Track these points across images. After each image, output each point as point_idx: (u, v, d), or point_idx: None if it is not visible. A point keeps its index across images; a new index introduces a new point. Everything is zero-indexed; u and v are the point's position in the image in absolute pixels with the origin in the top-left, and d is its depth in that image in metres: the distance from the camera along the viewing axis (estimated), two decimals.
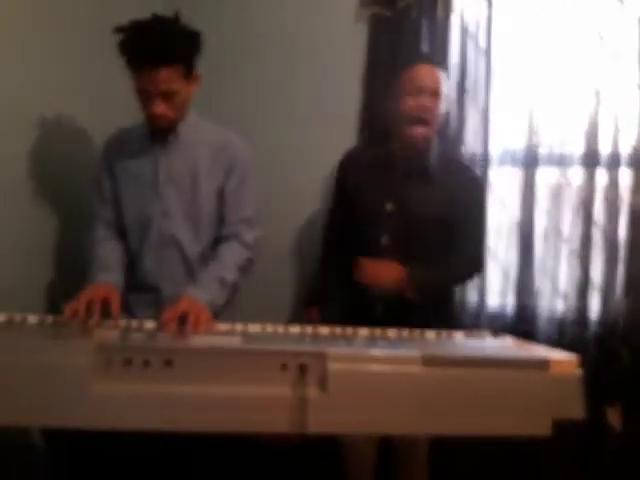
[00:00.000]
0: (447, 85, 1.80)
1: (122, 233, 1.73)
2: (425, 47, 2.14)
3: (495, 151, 2.16)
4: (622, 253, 2.01)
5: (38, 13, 1.77)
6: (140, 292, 1.69)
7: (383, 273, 1.70)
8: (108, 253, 1.65)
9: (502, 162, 2.16)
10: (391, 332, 1.42)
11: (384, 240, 1.76)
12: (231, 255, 1.63)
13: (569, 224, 2.08)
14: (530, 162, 2.11)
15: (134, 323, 1.38)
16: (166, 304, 1.50)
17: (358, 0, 2.27)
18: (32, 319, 1.37)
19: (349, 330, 1.42)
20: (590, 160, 2.04)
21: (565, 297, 2.07)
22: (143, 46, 1.50)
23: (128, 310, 1.68)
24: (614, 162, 2.02)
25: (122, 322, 1.39)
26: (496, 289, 2.17)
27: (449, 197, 1.77)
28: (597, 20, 2.02)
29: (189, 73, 1.58)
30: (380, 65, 2.21)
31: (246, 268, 1.66)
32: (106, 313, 1.41)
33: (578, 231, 2.06)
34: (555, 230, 2.09)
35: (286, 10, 2.35)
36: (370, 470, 1.92)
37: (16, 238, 1.72)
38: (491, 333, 1.50)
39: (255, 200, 1.72)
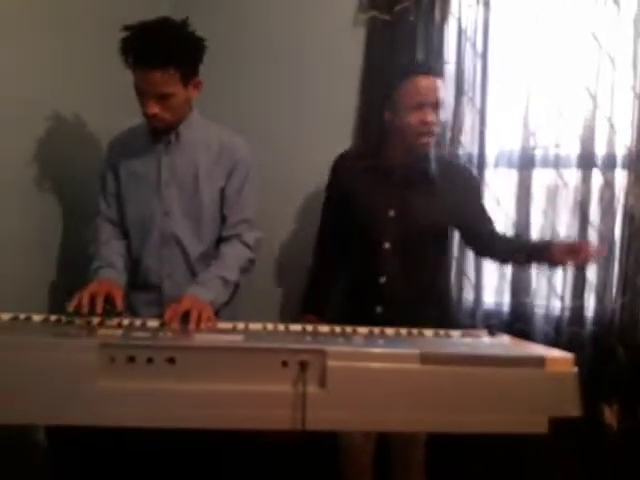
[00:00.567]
0: (443, 91, 1.81)
1: (125, 232, 1.74)
2: (422, 50, 2.15)
3: (491, 152, 2.17)
4: (617, 253, 2.03)
5: (44, 12, 1.78)
6: (142, 291, 1.71)
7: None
8: (111, 252, 1.66)
9: (498, 163, 2.17)
10: (390, 331, 1.43)
11: (386, 245, 1.78)
12: (233, 255, 1.64)
13: (565, 224, 2.09)
14: (526, 163, 2.12)
15: (137, 321, 1.39)
16: (167, 303, 1.52)
17: (356, 4, 2.28)
18: (36, 318, 1.38)
19: (348, 329, 1.44)
20: (586, 161, 2.05)
21: (561, 296, 2.08)
22: (140, 47, 1.51)
23: (130, 308, 1.70)
24: (609, 163, 2.03)
25: (125, 320, 1.40)
26: (492, 288, 2.18)
27: (450, 200, 1.78)
28: (592, 22, 2.03)
29: (187, 78, 1.59)
30: (377, 67, 2.21)
31: (247, 268, 1.68)
32: (109, 308, 1.43)
33: (574, 231, 2.07)
34: (551, 230, 2.10)
35: (285, 14, 2.36)
36: (368, 467, 1.93)
37: (19, 237, 1.73)
38: (488, 332, 1.51)
39: (256, 201, 1.73)
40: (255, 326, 1.41)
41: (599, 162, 2.04)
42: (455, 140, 2.17)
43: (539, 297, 2.11)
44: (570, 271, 2.07)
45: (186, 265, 1.69)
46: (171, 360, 1.09)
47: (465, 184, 1.85)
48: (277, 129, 2.34)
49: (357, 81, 2.28)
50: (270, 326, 1.41)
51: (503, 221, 2.15)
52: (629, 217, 2.00)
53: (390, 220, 1.78)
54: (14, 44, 1.66)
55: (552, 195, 2.10)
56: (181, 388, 1.08)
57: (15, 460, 1.62)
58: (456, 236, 2.08)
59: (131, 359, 1.08)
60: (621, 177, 2.03)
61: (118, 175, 1.72)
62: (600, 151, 2.04)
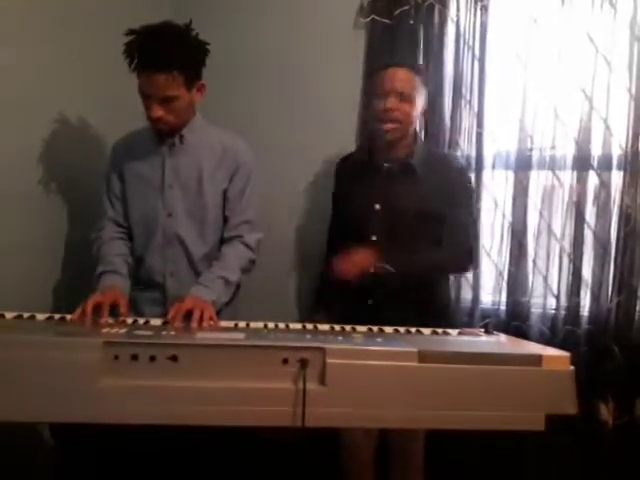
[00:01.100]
0: (421, 85, 1.84)
1: (130, 232, 1.76)
2: (421, 53, 2.17)
3: (489, 154, 2.18)
4: (613, 252, 2.04)
5: (48, 15, 1.79)
6: (146, 289, 1.73)
7: (353, 262, 1.73)
8: (115, 254, 1.68)
9: (495, 165, 2.18)
10: (388, 329, 1.45)
11: (373, 237, 1.82)
12: (234, 256, 1.67)
13: (561, 224, 2.10)
14: (523, 165, 2.13)
15: (140, 320, 1.42)
16: (170, 301, 1.54)
17: (357, 7, 2.29)
18: (40, 317, 1.40)
19: (348, 327, 1.46)
20: (581, 162, 2.07)
21: (557, 295, 2.10)
22: (144, 51, 1.53)
23: (134, 307, 1.72)
24: (605, 164, 2.04)
25: (129, 319, 1.43)
26: (490, 287, 2.20)
27: (435, 190, 1.81)
28: (589, 25, 2.05)
29: (191, 81, 1.60)
30: None
31: (248, 268, 1.71)
32: (114, 315, 1.44)
33: (570, 231, 2.08)
34: (547, 230, 2.11)
35: (286, 18, 2.37)
36: (369, 464, 1.95)
37: (24, 238, 1.74)
38: (485, 330, 1.52)
39: (257, 203, 1.75)
40: (256, 324, 1.43)
41: (595, 163, 2.06)
42: (453, 142, 2.19)
43: (535, 296, 2.13)
44: (566, 270, 2.08)
45: (189, 264, 1.72)
46: (174, 358, 1.10)
47: (449, 174, 1.86)
48: (278, 132, 2.35)
49: (359, 83, 2.29)
50: (271, 324, 1.43)
51: (500, 220, 2.17)
52: (625, 217, 2.01)
53: (376, 213, 1.82)
54: (18, 47, 1.67)
55: (548, 196, 2.12)
56: (183, 385, 1.08)
57: (20, 458, 1.62)
58: None
59: (134, 357, 1.09)
60: (617, 178, 2.04)
61: (123, 177, 1.74)
62: (596, 152, 2.06)
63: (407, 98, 1.79)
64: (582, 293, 2.07)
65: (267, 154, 1.85)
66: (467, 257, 1.90)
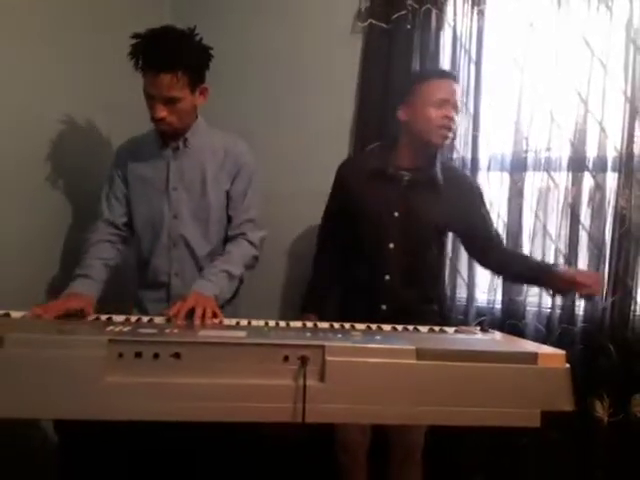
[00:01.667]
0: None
1: (128, 232, 1.78)
2: (418, 57, 2.19)
3: (484, 156, 2.20)
4: (608, 253, 2.06)
5: (50, 17, 1.81)
6: (152, 289, 1.76)
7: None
8: (95, 258, 1.67)
9: (491, 167, 2.20)
10: (386, 327, 1.47)
11: (391, 245, 1.81)
12: (238, 252, 1.69)
13: (556, 225, 2.12)
14: (518, 166, 2.15)
15: (144, 318, 1.43)
16: (175, 300, 1.55)
17: (354, 12, 2.32)
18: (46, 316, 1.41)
19: (347, 325, 1.48)
20: (577, 164, 2.09)
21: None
22: (150, 51, 1.55)
23: (140, 306, 1.75)
24: (600, 166, 2.06)
25: (133, 317, 1.44)
26: (485, 286, 2.22)
27: (453, 204, 1.83)
28: (584, 27, 2.07)
29: (194, 84, 1.62)
30: (375, 74, 2.26)
31: (251, 265, 1.74)
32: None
33: (565, 232, 2.10)
34: (543, 231, 2.13)
35: (284, 22, 2.39)
36: (363, 461, 1.97)
37: (26, 238, 1.76)
38: (480, 329, 1.54)
39: (259, 202, 1.78)
40: (257, 323, 1.44)
41: (590, 165, 2.08)
42: (449, 144, 2.18)
43: (531, 295, 2.14)
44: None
45: (194, 264, 1.74)
46: (177, 355, 1.11)
47: (467, 192, 1.89)
48: (276, 135, 2.38)
49: (355, 86, 2.31)
50: (272, 323, 1.45)
51: (495, 223, 2.16)
52: (619, 218, 2.03)
53: (395, 221, 1.81)
54: (21, 48, 1.69)
55: (544, 198, 2.14)
56: (186, 382, 1.09)
57: (24, 454, 1.64)
58: (450, 235, 2.11)
59: (138, 354, 1.10)
60: (612, 179, 2.06)
61: (127, 180, 1.76)
62: (591, 154, 2.08)
63: (457, 111, 1.79)
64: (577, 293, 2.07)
65: (263, 157, 1.87)
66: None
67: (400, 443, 1.94)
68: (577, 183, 2.09)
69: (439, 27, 2.20)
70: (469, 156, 2.20)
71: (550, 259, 2.12)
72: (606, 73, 2.05)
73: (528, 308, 2.14)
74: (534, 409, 1.17)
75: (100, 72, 1.99)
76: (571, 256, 2.09)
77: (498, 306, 2.18)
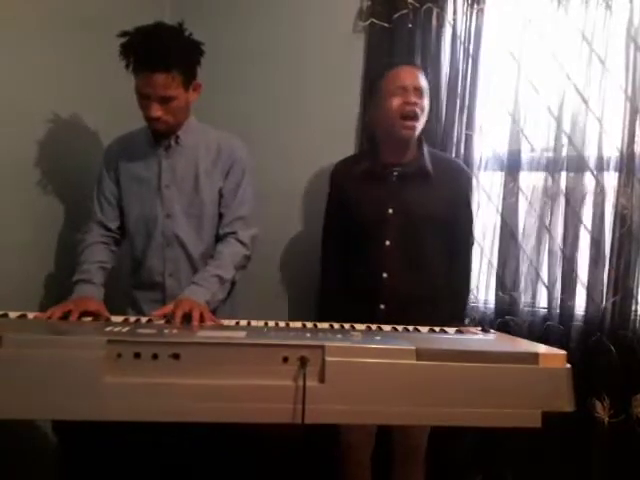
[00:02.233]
0: (426, 83, 1.82)
1: (120, 235, 1.78)
2: (420, 56, 2.19)
3: (482, 155, 2.20)
4: (608, 253, 2.05)
5: (43, 15, 1.79)
6: (146, 289, 1.75)
7: None
8: (92, 262, 1.67)
9: (489, 166, 2.20)
10: (386, 327, 1.47)
11: (387, 242, 1.81)
12: (228, 254, 1.67)
13: (556, 224, 2.11)
14: (517, 165, 2.15)
15: (143, 319, 1.43)
16: (170, 300, 1.55)
17: (356, 11, 2.31)
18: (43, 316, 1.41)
19: (347, 325, 1.48)
20: (577, 163, 2.09)
21: (552, 294, 2.11)
22: (142, 51, 1.54)
23: (135, 306, 1.74)
24: (600, 165, 2.06)
25: (132, 318, 1.44)
26: (482, 286, 2.22)
27: (446, 195, 1.82)
28: (584, 25, 2.06)
29: (188, 81, 1.62)
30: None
31: (243, 265, 1.72)
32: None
33: (565, 232, 2.10)
34: (542, 230, 2.13)
35: (286, 21, 2.39)
36: (367, 463, 1.97)
37: (22, 238, 1.75)
38: (481, 329, 1.54)
39: (252, 199, 1.76)
40: (257, 323, 1.44)
41: (590, 164, 2.08)
42: (448, 142, 2.19)
43: (530, 295, 2.15)
44: (561, 270, 2.10)
45: (189, 263, 1.73)
46: (176, 356, 1.10)
47: (459, 180, 1.88)
48: (278, 134, 2.37)
49: (358, 85, 2.31)
50: (271, 323, 1.45)
51: (493, 224, 2.19)
52: (620, 218, 2.03)
53: (389, 218, 1.81)
54: (12, 46, 1.67)
55: (543, 197, 2.13)
56: (185, 383, 1.09)
57: (23, 455, 1.63)
58: None
59: (137, 355, 1.10)
60: (612, 179, 2.06)
61: (118, 180, 1.75)
62: (591, 153, 2.07)
63: (423, 94, 1.77)
64: (577, 293, 2.09)
65: (265, 156, 1.86)
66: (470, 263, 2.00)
67: (403, 444, 1.94)
68: (577, 182, 2.09)
69: (440, 26, 2.20)
70: (468, 154, 2.19)
71: (550, 258, 2.11)
72: (606, 71, 2.05)
73: (527, 308, 2.14)
74: (535, 409, 1.17)
75: (91, 70, 1.97)
76: (571, 256, 2.09)
77: (497, 306, 2.17)
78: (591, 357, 2.04)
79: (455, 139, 2.19)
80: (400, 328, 1.47)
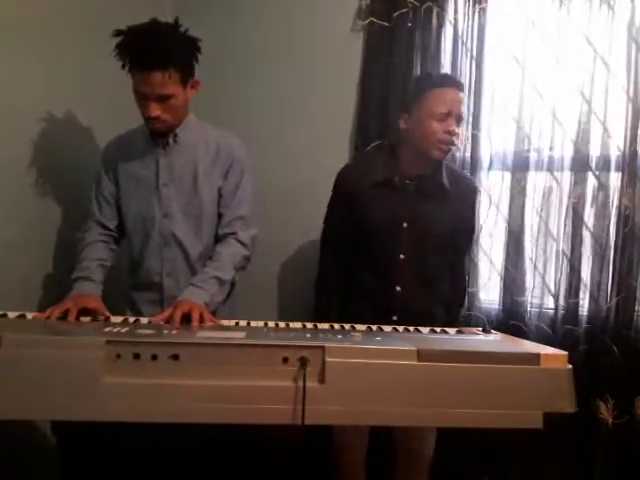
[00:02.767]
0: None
1: (119, 234, 1.77)
2: (419, 55, 2.19)
3: (486, 155, 2.19)
4: (611, 253, 2.05)
5: (41, 14, 1.79)
6: (144, 290, 1.75)
7: None
8: (92, 259, 1.67)
9: (493, 166, 2.19)
10: (387, 328, 1.46)
11: (401, 256, 1.79)
12: (227, 254, 1.66)
13: (559, 225, 2.11)
14: (521, 166, 2.15)
15: (142, 319, 1.43)
16: (168, 301, 1.55)
17: (355, 10, 2.31)
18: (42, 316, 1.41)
19: (347, 325, 1.47)
20: (580, 164, 2.08)
21: (555, 295, 2.11)
22: (139, 49, 1.52)
23: (133, 307, 1.74)
24: (603, 165, 2.06)
25: (131, 318, 1.44)
26: (487, 287, 2.21)
27: (458, 212, 1.82)
28: (587, 27, 2.06)
29: (186, 79, 1.61)
30: (376, 72, 2.25)
31: (242, 266, 1.71)
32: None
33: (568, 232, 2.09)
34: (545, 230, 2.13)
35: (285, 21, 2.39)
36: (361, 463, 1.97)
37: (21, 237, 1.75)
38: (482, 329, 1.53)
39: (252, 199, 1.75)
40: (256, 324, 1.44)
41: (593, 164, 2.07)
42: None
43: (533, 296, 2.14)
44: (565, 271, 2.10)
45: (187, 264, 1.72)
46: (175, 357, 1.10)
47: (469, 196, 1.88)
48: (277, 133, 2.37)
49: (356, 84, 2.31)
50: (271, 323, 1.45)
51: (497, 221, 2.18)
52: (623, 218, 2.03)
53: (404, 231, 1.78)
54: (9, 46, 1.67)
55: (547, 197, 2.13)
56: (185, 384, 1.09)
57: (22, 455, 1.63)
58: None
59: (136, 356, 1.10)
60: (615, 179, 2.05)
61: (117, 179, 1.74)
62: (594, 153, 2.07)
63: (461, 122, 1.75)
64: (581, 293, 2.08)
65: (265, 154, 1.86)
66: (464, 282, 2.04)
67: (403, 447, 1.93)
68: (580, 183, 2.09)
69: (440, 25, 2.19)
70: (471, 155, 2.20)
71: (553, 259, 2.11)
72: (609, 72, 2.04)
73: (530, 309, 2.14)
74: (537, 410, 1.16)
75: (88, 69, 1.96)
76: (574, 256, 2.09)
77: (500, 307, 2.17)
78: (594, 358, 2.03)
79: (462, 138, 2.17)
80: (401, 329, 1.47)
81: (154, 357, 1.10)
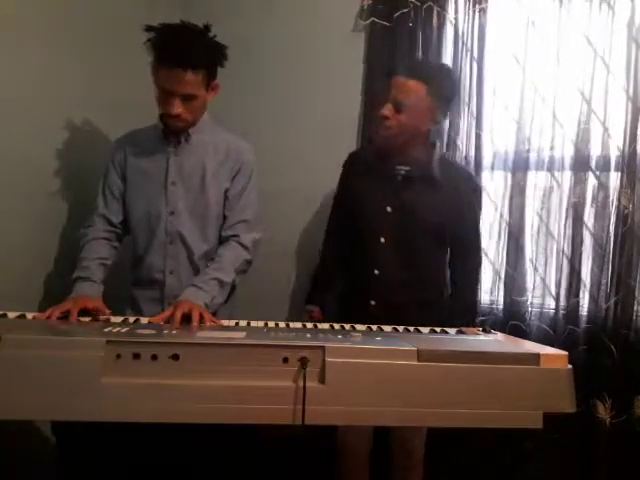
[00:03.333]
0: (431, 97, 1.74)
1: (123, 230, 1.77)
2: (420, 55, 2.19)
3: (487, 155, 2.20)
4: (611, 253, 2.05)
5: (49, 14, 1.79)
6: (146, 287, 1.74)
7: None
8: (93, 258, 1.66)
9: (494, 166, 2.20)
10: (387, 328, 1.46)
11: (382, 240, 1.81)
12: (229, 257, 1.67)
13: (559, 225, 2.12)
14: (521, 166, 2.15)
15: (142, 319, 1.43)
16: (169, 299, 1.55)
17: (357, 10, 2.31)
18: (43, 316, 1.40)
19: (347, 326, 1.47)
20: (580, 164, 2.08)
21: (555, 295, 2.11)
22: (173, 46, 1.54)
23: (134, 305, 1.73)
24: (603, 165, 2.06)
25: (131, 318, 1.44)
26: (487, 287, 2.21)
27: (448, 202, 1.81)
28: (586, 27, 2.06)
29: (210, 81, 1.64)
30: (377, 72, 2.25)
31: (243, 269, 1.71)
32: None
33: (568, 231, 2.10)
34: (545, 230, 2.13)
35: (286, 21, 2.39)
36: (364, 466, 1.97)
37: (26, 238, 1.75)
38: (483, 330, 1.53)
39: (256, 203, 1.76)
40: (257, 324, 1.44)
41: (593, 164, 2.08)
42: (451, 143, 2.20)
43: (534, 296, 2.14)
44: (564, 271, 2.10)
45: (190, 263, 1.72)
46: (175, 357, 1.10)
47: (466, 191, 1.87)
48: (279, 133, 2.37)
49: (359, 84, 2.31)
50: (271, 323, 1.44)
51: (498, 220, 2.19)
52: (622, 218, 2.03)
53: (388, 215, 1.81)
54: (17, 45, 1.67)
55: (547, 197, 2.13)
56: (185, 384, 1.09)
57: (22, 456, 1.63)
58: None
59: (136, 356, 1.10)
60: (614, 179, 2.06)
61: (125, 174, 1.74)
62: (594, 153, 2.07)
63: (401, 106, 1.74)
64: (580, 293, 2.09)
65: (267, 155, 1.86)
66: (479, 268, 2.02)
67: (401, 449, 1.94)
68: (580, 183, 2.09)
69: (441, 25, 2.20)
70: (472, 154, 2.20)
71: (553, 258, 2.12)
72: (608, 72, 2.05)
73: (530, 309, 2.14)
74: (536, 410, 1.16)
75: (94, 69, 1.96)
76: (574, 256, 2.09)
77: (500, 307, 2.18)
78: (593, 357, 2.04)
79: (459, 141, 2.19)
80: (401, 329, 1.47)
81: (154, 357, 1.10)
